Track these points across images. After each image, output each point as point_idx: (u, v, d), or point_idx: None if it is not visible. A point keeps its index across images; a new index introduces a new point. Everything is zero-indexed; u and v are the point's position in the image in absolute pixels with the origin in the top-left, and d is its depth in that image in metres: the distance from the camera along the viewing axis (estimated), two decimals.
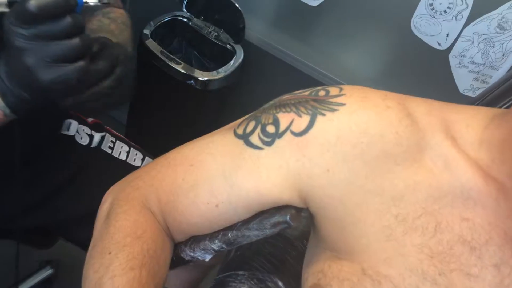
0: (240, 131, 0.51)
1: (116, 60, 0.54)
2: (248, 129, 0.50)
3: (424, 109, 0.47)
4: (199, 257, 0.53)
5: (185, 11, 1.40)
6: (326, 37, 1.29)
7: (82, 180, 0.85)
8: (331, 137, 0.46)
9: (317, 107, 0.47)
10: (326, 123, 0.46)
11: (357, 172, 0.45)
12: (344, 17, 1.24)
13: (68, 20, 0.47)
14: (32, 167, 0.80)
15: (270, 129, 0.49)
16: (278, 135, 0.48)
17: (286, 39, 1.34)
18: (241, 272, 0.54)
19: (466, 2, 1.08)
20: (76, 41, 0.48)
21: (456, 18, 1.11)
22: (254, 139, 0.49)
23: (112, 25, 0.68)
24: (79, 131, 0.87)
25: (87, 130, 0.89)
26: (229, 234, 0.51)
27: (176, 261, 0.55)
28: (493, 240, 0.42)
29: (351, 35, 1.26)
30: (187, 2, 1.40)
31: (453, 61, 1.16)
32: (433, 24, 1.14)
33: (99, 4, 0.53)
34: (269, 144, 0.48)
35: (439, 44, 1.16)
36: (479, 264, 0.42)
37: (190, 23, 1.41)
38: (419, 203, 0.44)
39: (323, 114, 0.47)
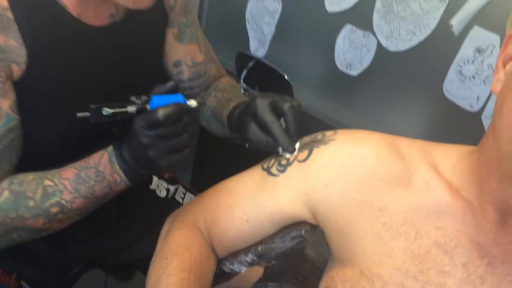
0: (265, 166, 0.67)
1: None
2: (270, 164, 0.66)
3: (406, 142, 0.60)
4: (236, 269, 0.67)
5: (243, 83, 1.62)
6: (366, 102, 1.44)
7: (159, 226, 1.02)
8: (325, 160, 0.60)
9: (314, 143, 0.62)
10: (320, 151, 0.61)
11: (348, 186, 0.58)
12: (382, 85, 1.38)
13: (182, 123, 0.63)
14: (123, 219, 0.97)
15: (283, 161, 0.64)
16: (289, 164, 0.63)
17: (330, 105, 1.49)
18: (270, 283, 0.66)
19: (491, 67, 1.19)
20: (185, 136, 0.64)
21: (484, 83, 1.21)
22: (273, 169, 0.65)
23: (225, 93, 0.87)
24: (159, 185, 1.06)
25: (165, 184, 1.07)
26: (259, 248, 0.64)
27: (220, 275, 0.69)
28: (462, 244, 0.52)
29: (389, 100, 1.39)
30: (244, 76, 1.63)
31: (485, 122, 1.24)
32: (463, 88, 1.25)
33: (198, 106, 0.69)
34: (283, 171, 0.63)
35: (471, 106, 1.25)
36: (451, 263, 0.52)
37: (246, 94, 1.62)
38: (401, 214, 0.56)
39: (318, 147, 0.61)
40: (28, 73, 0.66)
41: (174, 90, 0.65)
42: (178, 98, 0.64)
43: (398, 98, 1.37)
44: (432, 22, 1.25)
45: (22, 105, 0.67)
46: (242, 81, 1.62)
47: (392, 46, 1.35)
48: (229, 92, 0.88)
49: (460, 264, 0.53)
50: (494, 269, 0.52)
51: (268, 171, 0.67)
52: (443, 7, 1.21)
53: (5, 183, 0.65)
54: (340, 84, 1.47)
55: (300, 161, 0.64)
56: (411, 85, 1.33)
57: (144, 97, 0.67)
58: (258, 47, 1.64)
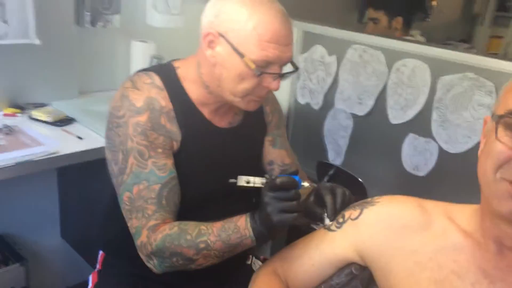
0: (326, 227, 0.90)
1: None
2: (330, 224, 0.89)
3: (432, 204, 0.81)
4: None
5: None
6: (436, 198, 1.60)
7: None
8: (372, 218, 0.82)
9: (364, 204, 0.85)
10: (368, 211, 0.83)
11: (388, 237, 0.79)
12: (447, 182, 1.56)
13: (292, 192, 0.90)
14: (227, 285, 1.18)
15: (340, 219, 0.87)
16: (344, 222, 0.86)
17: None
18: None
19: None
20: (294, 203, 0.90)
21: None
22: (333, 227, 0.88)
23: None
24: (254, 262, 1.30)
25: (259, 262, 1.30)
26: (322, 286, 0.85)
27: None
28: (471, 270, 0.70)
29: (454, 199, 1.55)
30: (326, 181, 1.88)
31: None
32: None
33: (311, 187, 0.97)
34: (340, 227, 0.86)
35: None
36: (462, 284, 0.70)
37: None
38: (427, 253, 0.75)
39: (367, 208, 0.84)
40: (181, 149, 1.02)
41: (294, 174, 0.95)
42: (295, 177, 0.93)
43: (463, 193, 1.52)
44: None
45: (178, 171, 1.01)
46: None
47: (451, 149, 1.55)
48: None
49: (469, 283, 0.69)
50: (494, 285, 0.68)
51: (328, 229, 0.89)
52: (489, 114, 1.42)
53: (177, 223, 0.97)
54: (409, 185, 1.66)
55: (352, 219, 0.86)
56: (474, 181, 1.48)
57: (270, 177, 0.96)
58: (335, 157, 1.92)
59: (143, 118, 0.99)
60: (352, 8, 3.25)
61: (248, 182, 0.94)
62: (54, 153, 1.38)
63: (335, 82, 1.87)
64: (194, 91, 1.05)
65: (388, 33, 2.23)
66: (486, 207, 0.69)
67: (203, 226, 0.95)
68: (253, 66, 0.94)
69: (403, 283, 0.75)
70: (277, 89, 0.99)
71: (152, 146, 0.99)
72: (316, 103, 1.95)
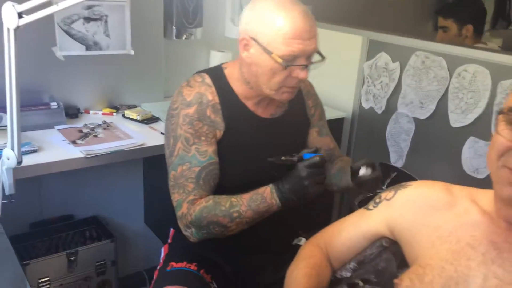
0: (364, 206, 1.01)
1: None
2: (369, 204, 1.00)
3: (459, 188, 0.90)
4: (344, 275, 0.98)
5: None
6: None
7: None
8: (404, 199, 0.92)
9: (398, 187, 0.96)
10: (401, 193, 0.94)
11: (416, 214, 0.89)
12: None
13: (323, 168, 1.10)
14: (277, 260, 1.31)
15: (377, 200, 0.98)
16: (380, 202, 0.97)
17: None
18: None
19: None
20: (324, 176, 1.11)
21: None
22: (370, 206, 0.99)
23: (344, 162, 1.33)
24: (299, 242, 1.44)
25: (304, 240, 1.44)
26: (358, 256, 0.96)
27: (334, 281, 1.01)
28: (483, 243, 0.78)
29: None
30: (388, 183, 1.95)
31: None
32: None
33: None
34: (376, 207, 0.97)
35: None
36: (474, 253, 0.78)
37: None
38: (449, 229, 0.84)
39: (400, 190, 0.94)
40: (224, 137, 1.20)
41: (316, 151, 1.13)
42: (320, 155, 1.11)
43: None
44: None
45: (221, 155, 1.19)
46: (385, 187, 1.95)
47: None
48: (347, 163, 1.33)
49: (480, 253, 0.76)
50: (501, 254, 0.74)
51: (366, 208, 1.00)
52: None
53: (211, 196, 1.15)
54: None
55: (387, 200, 0.96)
56: None
57: (298, 154, 1.14)
58: (397, 160, 1.98)
59: (191, 110, 1.18)
60: (428, 17, 3.27)
61: (283, 160, 1.14)
62: (141, 145, 1.63)
63: (398, 88, 1.95)
64: (238, 87, 1.24)
65: (458, 41, 2.26)
66: (495, 192, 0.77)
67: (234, 198, 1.13)
68: (280, 60, 1.10)
69: (425, 253, 0.84)
70: (305, 77, 1.15)
71: (196, 134, 1.17)
72: (380, 107, 2.04)
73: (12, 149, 1.32)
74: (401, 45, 1.93)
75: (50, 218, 1.92)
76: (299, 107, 1.35)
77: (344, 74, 2.20)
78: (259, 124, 1.26)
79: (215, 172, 1.19)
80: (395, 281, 0.86)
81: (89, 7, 1.82)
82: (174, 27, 2.08)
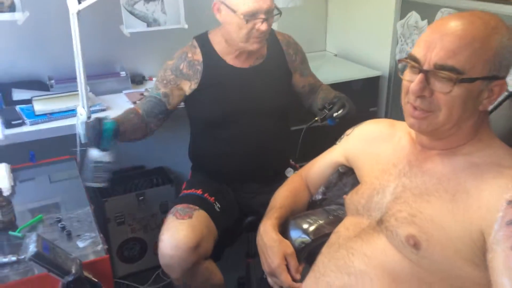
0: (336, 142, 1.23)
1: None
2: (338, 140, 1.22)
3: (401, 123, 1.08)
4: (317, 197, 1.22)
5: None
6: None
7: None
8: (357, 133, 1.14)
9: (357, 125, 1.16)
10: (357, 129, 1.16)
11: (363, 145, 1.10)
12: None
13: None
14: (267, 186, 1.59)
15: (343, 137, 1.20)
16: (343, 137, 1.18)
17: None
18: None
19: None
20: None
21: None
22: (337, 142, 1.21)
23: (325, 92, 1.62)
24: (289, 173, 1.71)
25: (293, 171, 1.70)
26: (325, 182, 1.19)
27: (311, 203, 1.25)
28: (403, 161, 0.98)
29: None
30: None
31: None
32: None
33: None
34: (340, 142, 1.19)
35: None
36: (394, 169, 0.98)
37: None
38: (386, 155, 1.04)
39: (357, 127, 1.15)
40: (201, 84, 1.56)
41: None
42: None
43: None
44: None
45: (198, 97, 1.54)
46: None
47: None
48: (327, 92, 1.65)
49: (398, 169, 0.96)
50: (411, 169, 0.93)
51: (335, 143, 1.22)
52: None
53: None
54: None
55: (347, 135, 1.18)
56: None
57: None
58: None
59: (171, 62, 1.59)
60: None
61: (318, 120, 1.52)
62: None
63: None
64: (219, 45, 1.55)
65: None
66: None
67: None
68: (241, 16, 1.39)
69: (365, 174, 1.06)
70: (265, 29, 1.42)
71: (163, 77, 1.59)
72: None
73: (83, 107, 1.72)
74: (428, 3, 2.01)
75: (125, 167, 2.35)
76: (278, 57, 1.63)
77: (380, 34, 2.32)
78: (237, 73, 1.57)
79: (154, 102, 1.59)
80: (344, 196, 1.09)
81: None
82: None
